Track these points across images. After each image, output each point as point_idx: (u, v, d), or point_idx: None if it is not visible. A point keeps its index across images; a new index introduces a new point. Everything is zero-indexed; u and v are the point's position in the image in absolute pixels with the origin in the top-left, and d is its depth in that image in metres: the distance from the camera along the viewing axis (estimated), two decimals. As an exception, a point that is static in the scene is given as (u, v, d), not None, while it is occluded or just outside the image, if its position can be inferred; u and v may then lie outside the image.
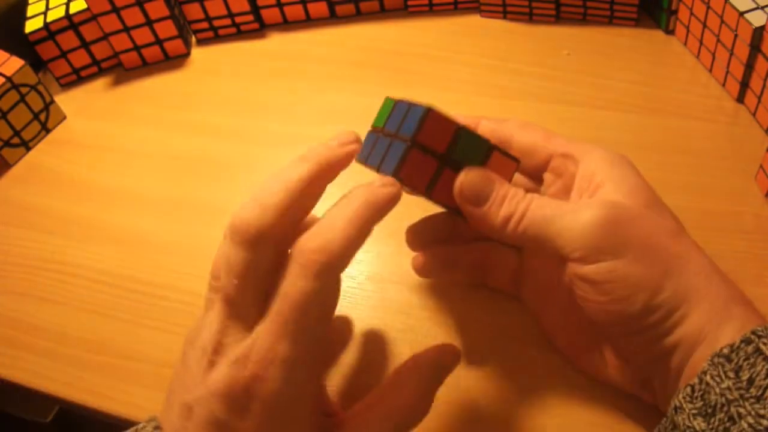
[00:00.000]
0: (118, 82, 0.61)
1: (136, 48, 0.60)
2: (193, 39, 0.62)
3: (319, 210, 0.30)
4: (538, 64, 0.53)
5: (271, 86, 0.57)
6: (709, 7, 0.47)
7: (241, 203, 0.28)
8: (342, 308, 0.41)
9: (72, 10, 0.57)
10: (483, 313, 0.39)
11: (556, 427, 0.34)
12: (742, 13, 0.43)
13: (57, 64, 0.60)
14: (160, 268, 0.45)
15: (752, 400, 0.25)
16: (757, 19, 0.43)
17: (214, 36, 0.62)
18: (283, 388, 0.27)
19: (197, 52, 0.62)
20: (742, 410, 0.25)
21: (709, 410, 0.26)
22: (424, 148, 0.31)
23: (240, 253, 0.27)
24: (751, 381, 0.26)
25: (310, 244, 0.27)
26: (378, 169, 0.31)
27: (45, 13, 0.58)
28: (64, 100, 0.58)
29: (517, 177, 0.36)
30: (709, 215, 0.41)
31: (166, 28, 0.59)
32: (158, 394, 0.38)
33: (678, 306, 0.29)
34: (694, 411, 0.27)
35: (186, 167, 0.52)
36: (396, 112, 0.32)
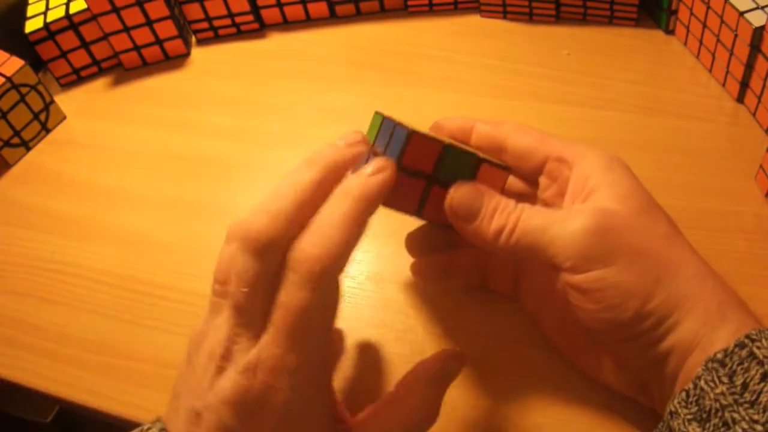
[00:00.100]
0: (118, 82, 0.61)
1: (136, 48, 0.60)
2: (193, 39, 0.62)
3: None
4: (538, 64, 0.53)
5: (271, 86, 0.57)
6: (709, 7, 0.47)
7: (249, 210, 0.28)
8: (342, 308, 0.41)
9: (72, 10, 0.57)
10: (483, 313, 0.39)
11: (554, 428, 0.34)
12: (742, 13, 0.43)
13: (57, 64, 0.60)
14: (160, 268, 0.45)
15: (746, 405, 0.25)
16: (757, 19, 0.43)
17: (214, 36, 0.62)
18: (292, 396, 0.27)
19: (197, 52, 0.62)
20: (736, 415, 0.25)
21: (704, 415, 0.26)
22: (410, 172, 0.31)
23: (250, 261, 0.27)
24: (745, 386, 0.26)
25: (307, 252, 0.27)
26: None
27: (45, 13, 0.58)
28: (64, 100, 0.59)
29: (513, 181, 0.36)
30: (709, 215, 0.41)
31: (166, 28, 0.59)
32: (158, 394, 0.39)
33: (670, 313, 0.29)
34: (689, 416, 0.27)
35: (186, 167, 0.52)
36: (383, 130, 0.32)
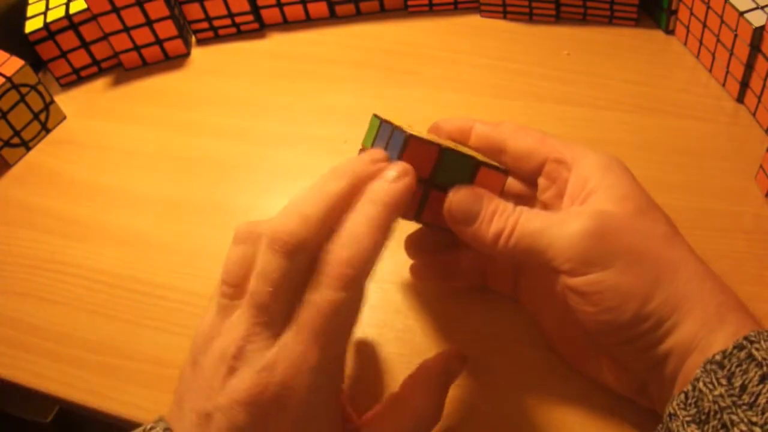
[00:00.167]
0: (118, 82, 0.61)
1: (136, 48, 0.60)
2: (193, 39, 0.62)
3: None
4: (538, 64, 0.53)
5: (271, 86, 0.57)
6: (709, 7, 0.47)
7: (280, 213, 0.29)
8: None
9: (72, 10, 0.57)
10: (483, 313, 0.39)
11: (555, 428, 0.34)
12: (742, 13, 0.43)
13: (57, 64, 0.60)
14: (160, 268, 0.45)
15: (745, 407, 0.25)
16: (757, 19, 0.43)
17: (214, 36, 0.62)
18: (310, 396, 0.27)
19: (197, 52, 0.62)
20: (734, 417, 0.25)
21: (703, 417, 0.26)
22: None
23: (277, 261, 0.27)
24: (743, 387, 0.26)
25: (339, 256, 0.28)
26: None
27: (45, 13, 0.58)
28: (64, 100, 0.59)
29: (512, 182, 0.36)
30: (709, 215, 0.41)
31: (166, 28, 0.59)
32: (158, 394, 0.39)
33: (669, 315, 0.29)
34: (687, 418, 0.27)
35: (186, 167, 0.52)
36: (381, 133, 0.32)
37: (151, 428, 0.29)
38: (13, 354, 0.42)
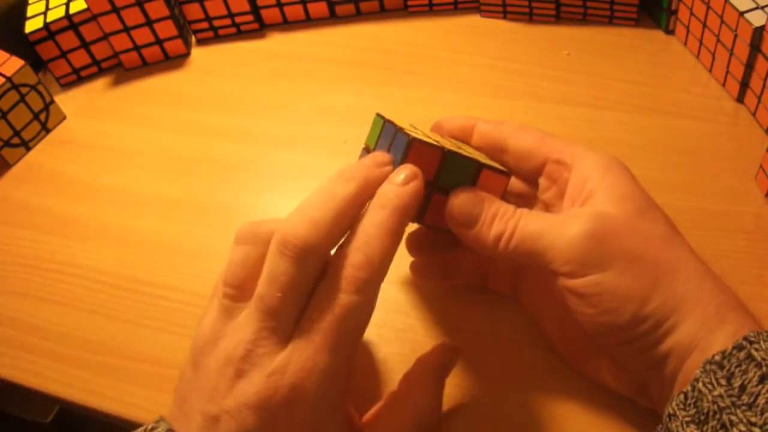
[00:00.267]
0: (118, 82, 0.61)
1: (136, 48, 0.60)
2: (193, 39, 0.63)
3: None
4: (538, 64, 0.53)
5: (271, 86, 0.57)
6: (709, 7, 0.47)
7: (289, 217, 0.29)
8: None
9: (72, 10, 0.58)
10: (483, 312, 0.39)
11: (555, 428, 0.34)
12: (742, 13, 0.43)
13: (57, 64, 0.60)
14: (160, 268, 0.45)
15: (744, 408, 0.25)
16: (757, 19, 0.43)
17: (214, 36, 0.62)
18: (319, 399, 0.27)
19: (197, 52, 0.62)
20: (734, 418, 0.25)
21: (702, 417, 0.26)
22: None
23: (287, 266, 0.27)
24: (743, 388, 0.26)
25: (352, 259, 0.28)
26: None
27: (45, 13, 0.58)
28: (64, 100, 0.59)
29: (514, 182, 0.36)
30: (709, 215, 0.41)
31: (166, 28, 0.59)
32: (158, 394, 0.39)
33: (668, 316, 0.29)
34: (687, 418, 0.27)
35: (186, 167, 0.52)
36: (384, 134, 0.32)
37: (152, 429, 0.29)
38: (13, 354, 0.42)
